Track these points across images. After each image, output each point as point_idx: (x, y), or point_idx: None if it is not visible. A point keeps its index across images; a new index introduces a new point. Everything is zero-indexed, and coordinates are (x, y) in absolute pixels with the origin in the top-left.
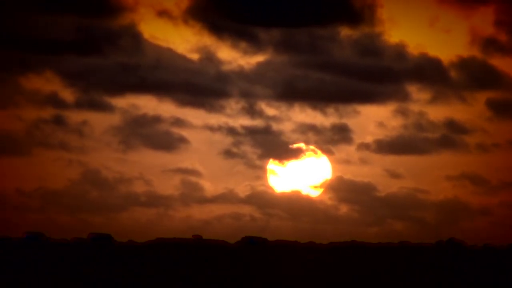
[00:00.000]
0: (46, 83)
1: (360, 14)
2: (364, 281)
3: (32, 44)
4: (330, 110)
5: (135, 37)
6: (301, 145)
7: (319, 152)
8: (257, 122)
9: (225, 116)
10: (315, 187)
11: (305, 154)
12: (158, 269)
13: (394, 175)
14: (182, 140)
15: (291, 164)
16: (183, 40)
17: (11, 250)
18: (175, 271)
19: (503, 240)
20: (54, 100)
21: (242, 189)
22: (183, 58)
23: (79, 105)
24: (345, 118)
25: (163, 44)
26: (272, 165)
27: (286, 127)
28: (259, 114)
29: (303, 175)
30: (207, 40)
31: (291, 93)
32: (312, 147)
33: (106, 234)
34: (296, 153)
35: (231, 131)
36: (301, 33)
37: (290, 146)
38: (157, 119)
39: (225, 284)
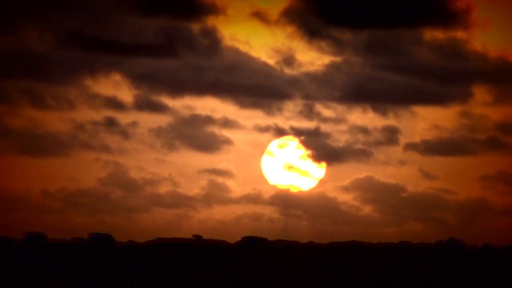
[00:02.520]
0: (111, 85)
1: (451, 17)
2: (364, 281)
3: (110, 47)
4: (390, 112)
5: (215, 39)
6: (343, 146)
7: (356, 152)
8: (308, 124)
9: (279, 118)
10: (343, 187)
11: (346, 155)
12: (158, 269)
13: (428, 176)
14: (226, 141)
15: (327, 165)
16: (266, 42)
17: (11, 250)
18: (175, 271)
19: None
20: (112, 102)
21: (268, 190)
22: (260, 60)
23: (136, 107)
24: (403, 120)
25: (244, 46)
26: (308, 166)
27: (336, 129)
28: (316, 115)
29: (332, 176)
30: (293, 42)
31: (357, 95)
32: (355, 148)
33: (106, 234)
34: (335, 154)
35: (279, 132)
36: (386, 34)
37: (331, 147)
38: (207, 120)
39: (225, 284)
